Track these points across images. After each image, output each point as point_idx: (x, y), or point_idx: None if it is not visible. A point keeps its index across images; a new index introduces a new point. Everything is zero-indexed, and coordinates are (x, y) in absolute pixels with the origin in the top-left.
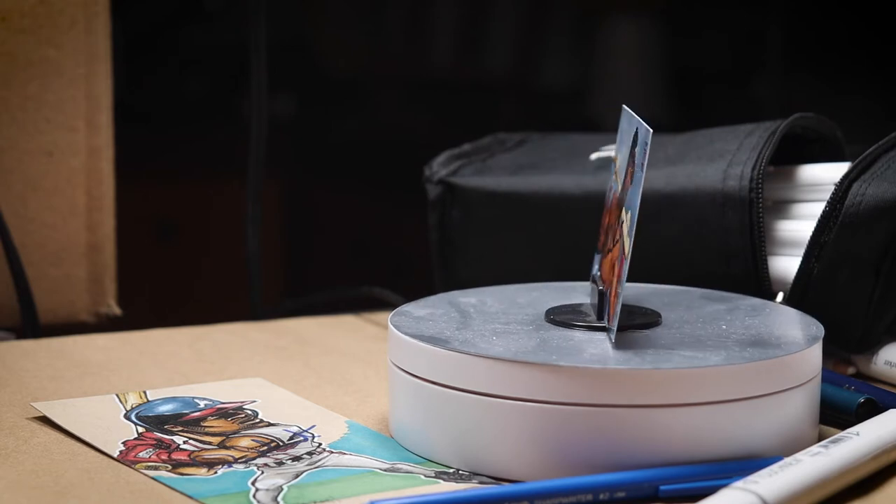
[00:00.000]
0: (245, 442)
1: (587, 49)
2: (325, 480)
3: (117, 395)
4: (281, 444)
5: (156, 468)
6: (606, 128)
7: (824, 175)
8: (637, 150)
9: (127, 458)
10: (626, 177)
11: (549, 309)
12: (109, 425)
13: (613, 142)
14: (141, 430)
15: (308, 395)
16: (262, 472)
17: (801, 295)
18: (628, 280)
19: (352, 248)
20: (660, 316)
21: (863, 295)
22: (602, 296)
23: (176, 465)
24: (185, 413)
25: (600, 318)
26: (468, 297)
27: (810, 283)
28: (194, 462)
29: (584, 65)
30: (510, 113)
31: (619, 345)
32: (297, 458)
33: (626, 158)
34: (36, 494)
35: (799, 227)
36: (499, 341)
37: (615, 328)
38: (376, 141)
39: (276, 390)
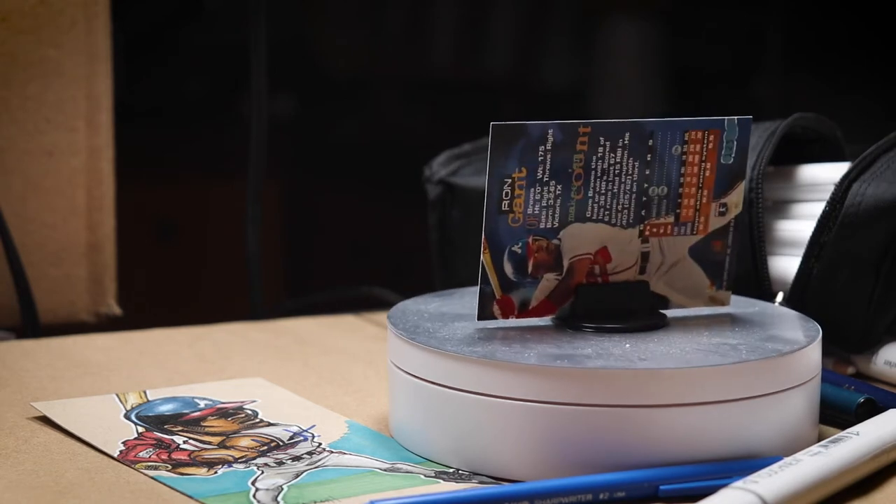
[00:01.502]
0: (245, 442)
1: (587, 49)
2: (325, 480)
3: (117, 395)
4: (281, 443)
5: (156, 468)
6: None
7: (824, 175)
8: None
9: (127, 457)
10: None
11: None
12: (109, 425)
13: None
14: (141, 429)
15: (308, 394)
16: (262, 472)
17: (801, 295)
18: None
19: (352, 248)
20: (665, 317)
21: (863, 295)
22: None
23: (176, 465)
24: (185, 413)
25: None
26: (468, 297)
27: (810, 283)
28: (194, 462)
29: (584, 65)
30: (510, 113)
31: (621, 345)
32: (297, 458)
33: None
34: (36, 494)
35: (799, 227)
36: (500, 341)
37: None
38: (376, 141)
39: (276, 390)
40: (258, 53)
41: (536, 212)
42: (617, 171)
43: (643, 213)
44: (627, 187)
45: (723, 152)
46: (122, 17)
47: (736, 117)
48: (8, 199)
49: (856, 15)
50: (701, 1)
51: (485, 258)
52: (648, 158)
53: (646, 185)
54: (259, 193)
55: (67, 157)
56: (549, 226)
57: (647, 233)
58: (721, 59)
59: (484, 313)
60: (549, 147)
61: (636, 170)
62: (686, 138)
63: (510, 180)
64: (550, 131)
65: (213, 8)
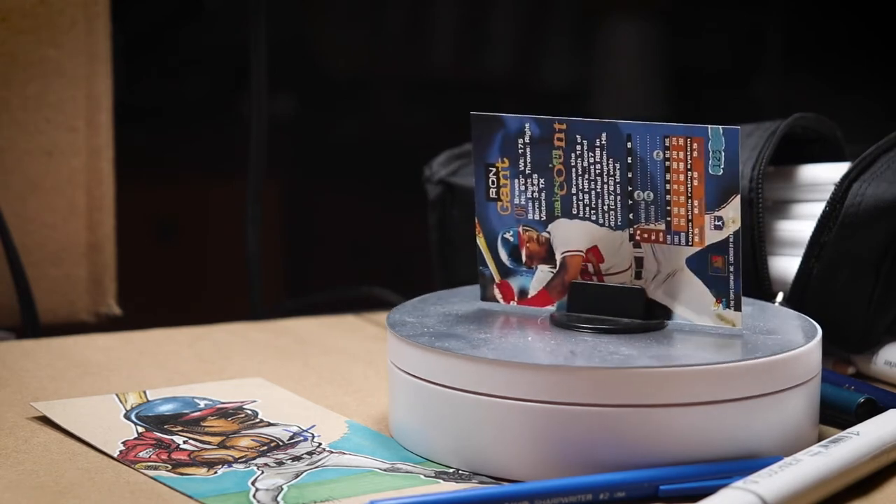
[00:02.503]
0: (245, 442)
1: (587, 49)
2: (325, 480)
3: (117, 395)
4: (281, 443)
5: (156, 468)
6: None
7: (824, 175)
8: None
9: (127, 457)
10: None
11: (553, 311)
12: (109, 425)
13: None
14: (141, 429)
15: (308, 394)
16: (262, 472)
17: (801, 295)
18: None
19: (352, 248)
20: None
21: (863, 295)
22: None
23: (176, 465)
24: (185, 413)
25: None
26: (468, 296)
27: (810, 283)
28: (194, 462)
29: (584, 65)
30: (510, 113)
31: (621, 345)
32: (297, 458)
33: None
34: (36, 494)
35: (799, 227)
36: (499, 341)
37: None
38: (376, 141)
39: (276, 390)
40: (258, 53)
41: (523, 202)
42: (598, 171)
43: (631, 216)
44: (611, 188)
45: (710, 163)
46: (122, 17)
47: (721, 127)
48: (8, 199)
49: (856, 15)
50: (701, 1)
51: (479, 241)
52: (629, 161)
53: (630, 189)
54: (259, 193)
55: (67, 157)
56: (536, 218)
57: (637, 237)
58: (721, 59)
59: (485, 295)
60: (527, 140)
61: (618, 171)
62: (667, 144)
63: (494, 169)
64: (527, 125)
65: (213, 8)
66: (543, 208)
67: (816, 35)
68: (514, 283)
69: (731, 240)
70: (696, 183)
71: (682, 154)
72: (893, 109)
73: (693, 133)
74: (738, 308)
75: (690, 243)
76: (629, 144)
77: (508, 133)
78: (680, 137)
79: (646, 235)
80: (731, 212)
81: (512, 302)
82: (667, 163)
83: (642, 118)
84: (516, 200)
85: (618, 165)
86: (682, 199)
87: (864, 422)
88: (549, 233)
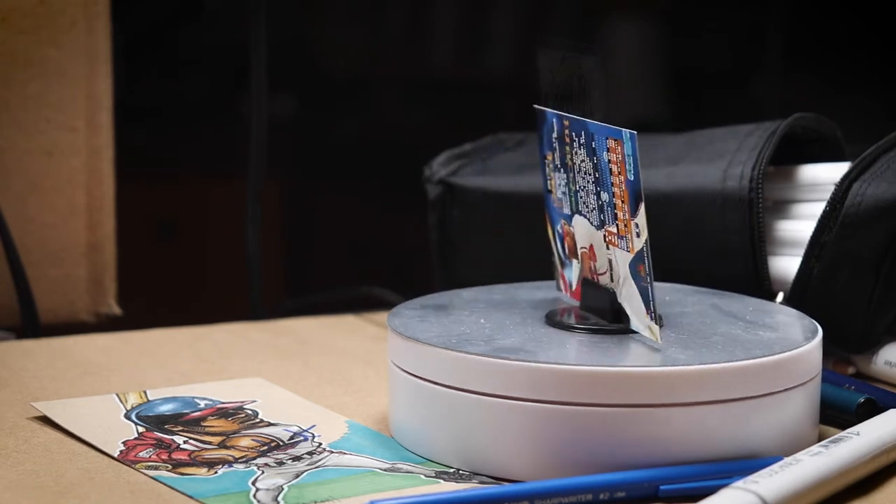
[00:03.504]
0: (245, 442)
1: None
2: (325, 480)
3: (117, 395)
4: (281, 443)
5: (156, 468)
6: None
7: (824, 175)
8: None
9: (127, 457)
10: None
11: (549, 312)
12: (110, 425)
13: None
14: (141, 429)
15: (308, 394)
16: (263, 472)
17: (801, 295)
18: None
19: (352, 248)
20: (661, 318)
21: (863, 295)
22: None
23: (176, 465)
24: (186, 413)
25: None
26: (468, 297)
27: (810, 283)
28: (194, 462)
29: None
30: (510, 113)
31: (619, 345)
32: (297, 458)
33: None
34: (36, 494)
35: (799, 227)
36: (499, 341)
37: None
38: (376, 141)
39: (276, 390)
40: (258, 53)
41: (560, 196)
42: (585, 170)
43: (602, 217)
44: (591, 188)
45: (627, 167)
46: (122, 17)
47: (628, 130)
48: (8, 199)
49: (856, 15)
50: (701, 1)
51: (549, 232)
52: (595, 161)
53: (598, 189)
54: (259, 193)
55: (67, 157)
56: (567, 212)
57: (607, 239)
58: (721, 59)
59: (557, 284)
60: (555, 136)
61: (593, 171)
62: (608, 146)
63: (547, 162)
64: (553, 121)
65: (213, 8)
66: (569, 203)
67: (816, 35)
68: (567, 275)
69: (644, 250)
70: (624, 187)
71: (615, 157)
72: (893, 109)
73: (616, 135)
74: (656, 322)
75: (628, 249)
76: (592, 144)
77: (548, 128)
78: (612, 139)
79: (610, 238)
80: (641, 220)
81: (568, 293)
82: (610, 165)
83: (642, 118)
84: (559, 194)
85: (591, 165)
86: (621, 202)
87: (864, 422)
88: (573, 227)
